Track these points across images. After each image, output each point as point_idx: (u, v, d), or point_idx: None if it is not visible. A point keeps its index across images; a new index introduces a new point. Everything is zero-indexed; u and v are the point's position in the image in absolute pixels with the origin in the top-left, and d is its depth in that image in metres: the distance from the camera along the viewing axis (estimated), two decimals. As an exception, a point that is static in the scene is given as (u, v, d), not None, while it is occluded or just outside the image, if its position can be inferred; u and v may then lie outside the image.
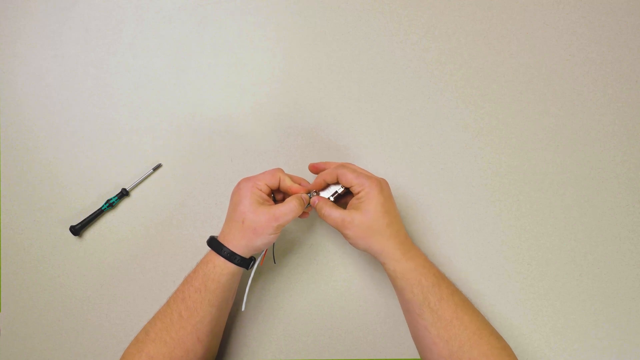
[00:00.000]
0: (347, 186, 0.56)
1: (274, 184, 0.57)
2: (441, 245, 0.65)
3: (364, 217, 0.54)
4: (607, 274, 0.64)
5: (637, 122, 0.66)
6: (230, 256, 0.54)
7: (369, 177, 0.55)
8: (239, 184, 0.56)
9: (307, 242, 0.66)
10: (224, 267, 0.54)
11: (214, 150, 0.68)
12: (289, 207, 0.54)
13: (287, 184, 0.57)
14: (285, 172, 0.58)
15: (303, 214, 0.59)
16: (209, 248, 0.56)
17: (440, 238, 0.65)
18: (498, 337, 0.54)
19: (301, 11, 0.70)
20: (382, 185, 0.55)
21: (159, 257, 0.66)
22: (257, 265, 0.59)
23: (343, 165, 0.57)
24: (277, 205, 0.55)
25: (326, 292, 0.65)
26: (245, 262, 0.55)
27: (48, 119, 0.69)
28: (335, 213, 0.55)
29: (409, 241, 0.56)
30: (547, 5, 0.69)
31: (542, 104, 0.67)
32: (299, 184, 0.58)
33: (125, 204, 0.67)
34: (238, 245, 0.54)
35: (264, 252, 0.60)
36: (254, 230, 0.54)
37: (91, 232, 0.67)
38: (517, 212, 0.65)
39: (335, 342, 0.64)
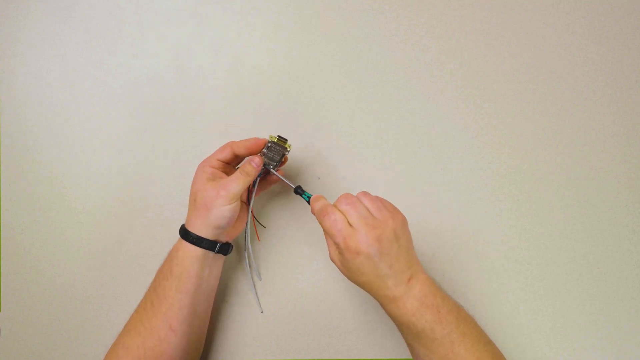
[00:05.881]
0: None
1: (226, 157, 0.57)
2: (441, 246, 0.65)
3: (342, 270, 0.53)
4: (607, 274, 0.64)
5: (637, 122, 0.66)
6: (193, 239, 0.55)
7: (335, 233, 0.51)
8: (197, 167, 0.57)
9: (307, 241, 0.66)
10: (187, 251, 0.55)
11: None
12: (235, 174, 0.55)
13: (242, 151, 0.57)
14: (282, 164, 0.59)
15: (270, 180, 0.61)
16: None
17: (440, 238, 0.65)
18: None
19: (301, 11, 0.70)
20: (342, 248, 0.50)
21: (159, 257, 0.66)
22: (250, 252, 0.59)
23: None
24: (225, 178, 0.56)
25: (326, 291, 0.65)
26: (212, 245, 0.55)
27: (48, 119, 0.69)
28: (331, 250, 0.54)
29: (399, 289, 0.50)
30: (547, 5, 0.69)
31: (542, 104, 0.67)
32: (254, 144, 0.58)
33: (124, 204, 0.67)
34: (195, 225, 0.55)
35: (248, 230, 0.61)
36: (205, 206, 0.54)
37: (92, 232, 0.67)
38: (517, 212, 0.65)
39: (335, 342, 0.64)
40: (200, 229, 0.55)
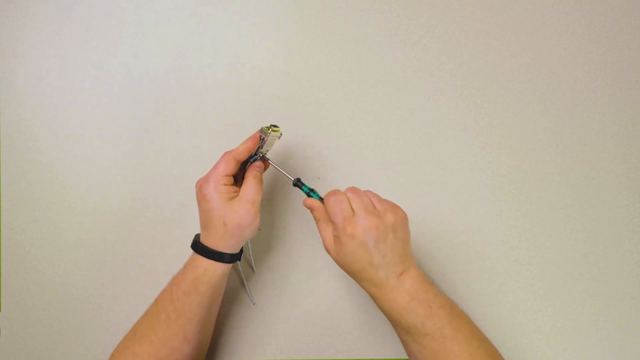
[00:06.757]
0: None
1: (233, 170, 0.56)
2: (441, 246, 0.65)
3: (336, 257, 0.53)
4: (607, 274, 0.64)
5: (637, 122, 0.66)
6: (222, 257, 0.54)
7: (336, 215, 0.52)
8: (200, 189, 0.55)
9: (307, 241, 0.66)
10: (216, 269, 0.54)
11: (215, 151, 0.68)
12: (250, 184, 0.55)
13: (244, 156, 0.57)
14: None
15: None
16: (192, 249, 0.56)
17: (440, 238, 0.65)
18: (494, 358, 0.53)
19: (301, 11, 0.70)
20: (339, 230, 0.52)
21: (159, 257, 0.66)
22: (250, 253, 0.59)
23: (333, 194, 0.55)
24: (242, 191, 0.55)
25: (326, 291, 0.65)
26: (237, 256, 0.56)
27: (48, 119, 0.69)
28: (325, 237, 0.55)
29: (390, 282, 0.51)
30: (547, 5, 0.69)
31: (542, 104, 0.67)
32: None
33: (124, 203, 0.67)
34: (227, 246, 0.54)
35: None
36: (239, 226, 0.54)
37: (92, 232, 0.67)
38: (517, 212, 0.65)
39: (335, 342, 0.64)
40: (233, 248, 0.55)
